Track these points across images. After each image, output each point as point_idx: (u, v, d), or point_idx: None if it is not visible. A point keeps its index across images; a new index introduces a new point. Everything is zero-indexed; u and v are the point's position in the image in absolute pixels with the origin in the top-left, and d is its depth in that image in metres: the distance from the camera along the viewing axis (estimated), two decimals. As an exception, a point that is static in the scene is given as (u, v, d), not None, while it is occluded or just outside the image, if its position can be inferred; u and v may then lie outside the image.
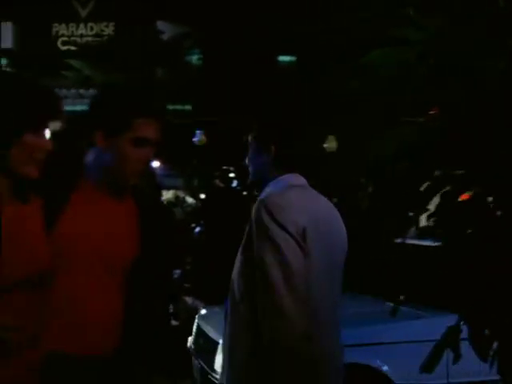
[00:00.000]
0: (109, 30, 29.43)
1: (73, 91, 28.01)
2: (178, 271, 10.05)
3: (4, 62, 31.36)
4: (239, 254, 2.19)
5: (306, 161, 2.33)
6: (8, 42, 30.49)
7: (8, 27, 30.25)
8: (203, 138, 9.13)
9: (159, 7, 14.55)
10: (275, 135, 2.31)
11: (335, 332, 2.23)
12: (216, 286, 7.14)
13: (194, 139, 9.36)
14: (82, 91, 25.38)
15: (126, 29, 13.72)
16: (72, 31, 30.52)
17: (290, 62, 28.89)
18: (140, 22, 13.34)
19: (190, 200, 14.39)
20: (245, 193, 9.80)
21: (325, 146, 12.01)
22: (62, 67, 14.09)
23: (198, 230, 10.05)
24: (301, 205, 2.11)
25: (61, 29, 30.52)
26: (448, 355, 2.77)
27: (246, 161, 2.44)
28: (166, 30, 14.10)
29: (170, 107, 15.74)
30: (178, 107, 24.63)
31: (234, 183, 8.96)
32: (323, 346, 2.06)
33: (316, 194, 2.32)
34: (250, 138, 2.40)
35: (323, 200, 2.29)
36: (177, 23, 18.49)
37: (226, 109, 19.04)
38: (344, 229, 2.33)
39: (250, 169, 2.41)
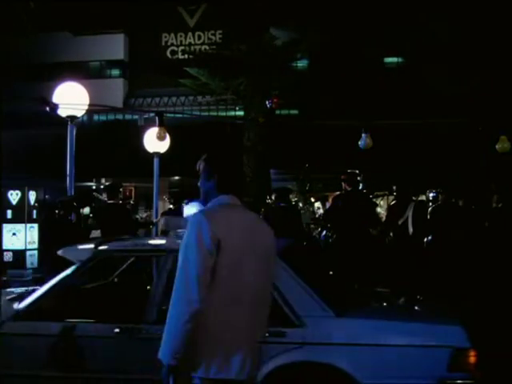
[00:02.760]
0: (216, 38, 30.29)
1: (190, 98, 29.13)
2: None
3: (116, 72, 33.12)
4: None
5: (240, 186, 3.18)
6: (120, 54, 32.13)
7: (119, 38, 31.85)
8: (369, 141, 9.11)
9: (271, 14, 14.76)
10: (219, 166, 3.08)
11: (239, 310, 2.85)
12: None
13: (360, 143, 9.36)
14: (199, 98, 26.29)
15: (234, 36, 14.00)
16: (181, 40, 31.64)
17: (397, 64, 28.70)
18: (252, 28, 13.53)
19: (316, 204, 14.56)
20: (371, 196, 9.82)
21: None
22: (178, 75, 14.61)
23: (324, 233, 10.15)
24: (221, 219, 2.89)
25: (170, 38, 31.75)
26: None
27: (198, 185, 3.16)
28: (277, 36, 14.26)
29: (278, 112, 15.79)
30: (285, 112, 24.97)
31: (360, 186, 8.97)
32: (219, 315, 2.80)
33: (243, 210, 3.07)
34: (198, 169, 3.14)
35: (250, 216, 3.11)
36: (287, 29, 18.80)
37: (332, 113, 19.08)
38: (268, 236, 3.11)
39: (201, 191, 3.13)
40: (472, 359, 3.97)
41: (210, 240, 2.77)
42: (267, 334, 3.41)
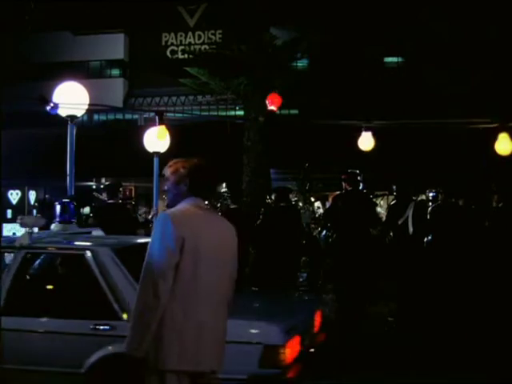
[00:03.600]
0: (216, 37, 30.28)
1: (190, 97, 29.14)
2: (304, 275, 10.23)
3: (116, 72, 33.11)
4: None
5: (209, 190, 3.43)
6: (120, 53, 32.12)
7: (119, 38, 31.85)
8: (369, 141, 9.09)
9: (272, 13, 14.78)
10: (191, 171, 3.28)
11: (204, 303, 3.06)
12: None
13: (360, 142, 9.35)
14: (199, 97, 26.31)
15: (234, 36, 14.00)
16: (181, 40, 31.63)
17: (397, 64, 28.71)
18: (252, 28, 13.53)
19: (316, 204, 14.55)
20: (371, 196, 9.83)
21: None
22: (179, 75, 14.59)
23: (324, 233, 10.16)
24: (186, 219, 3.11)
25: (170, 38, 31.75)
26: None
27: (166, 189, 3.37)
28: (277, 35, 14.27)
29: (278, 111, 15.77)
30: (285, 111, 24.96)
31: (361, 186, 8.96)
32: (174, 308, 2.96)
33: (208, 212, 3.33)
34: (166, 173, 3.35)
35: (215, 217, 3.42)
36: (287, 29, 18.79)
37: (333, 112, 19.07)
38: (230, 236, 3.37)
39: (169, 196, 3.34)
40: (283, 356, 4.07)
41: (174, 240, 2.99)
42: (100, 327, 4.05)
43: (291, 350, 4.17)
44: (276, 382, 4.11)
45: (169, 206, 3.33)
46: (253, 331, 4.22)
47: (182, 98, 29.70)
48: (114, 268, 4.43)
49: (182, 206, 3.22)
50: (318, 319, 5.16)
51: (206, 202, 3.47)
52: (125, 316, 4.21)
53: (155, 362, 2.98)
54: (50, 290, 5.07)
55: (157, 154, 11.06)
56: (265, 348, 4.09)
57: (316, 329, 5.06)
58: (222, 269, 3.23)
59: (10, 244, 4.83)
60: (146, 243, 5.42)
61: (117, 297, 4.30)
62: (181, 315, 2.99)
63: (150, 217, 10.43)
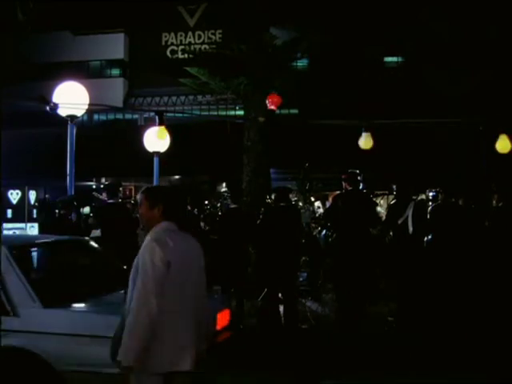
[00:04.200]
0: (216, 37, 30.30)
1: (190, 97, 29.16)
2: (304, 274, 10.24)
3: (116, 72, 33.11)
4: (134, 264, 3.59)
5: (180, 214, 3.77)
6: (120, 53, 32.13)
7: (119, 38, 31.86)
8: (369, 140, 9.07)
9: (272, 13, 14.76)
10: (164, 197, 3.72)
11: (184, 315, 3.54)
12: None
13: (360, 142, 9.34)
14: (199, 97, 26.33)
15: (234, 36, 13.98)
16: (181, 40, 31.64)
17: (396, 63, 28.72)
18: (252, 28, 13.51)
19: (316, 204, 14.56)
20: (372, 196, 9.82)
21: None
22: (179, 75, 14.57)
23: (324, 233, 10.16)
24: (168, 244, 3.53)
25: (170, 38, 31.76)
26: None
27: (139, 213, 3.80)
28: (277, 35, 14.25)
29: (278, 111, 15.77)
30: (285, 111, 24.97)
31: (361, 186, 8.95)
32: (163, 319, 3.41)
33: (182, 234, 3.72)
34: (140, 199, 3.74)
35: (187, 238, 3.75)
36: (287, 29, 18.79)
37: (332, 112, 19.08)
38: (199, 252, 3.78)
39: (142, 220, 3.78)
40: None
41: (161, 262, 3.46)
42: None
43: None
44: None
45: (144, 229, 3.82)
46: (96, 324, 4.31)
47: (182, 97, 29.72)
48: (7, 265, 4.57)
49: (161, 230, 3.65)
50: (222, 318, 5.14)
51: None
52: (11, 312, 4.43)
53: (150, 368, 3.44)
54: None
55: (157, 153, 11.08)
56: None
57: (218, 328, 5.01)
58: (199, 283, 3.75)
59: None
60: (47, 243, 5.62)
61: (6, 293, 4.48)
62: (169, 326, 3.48)
63: None
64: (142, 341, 3.36)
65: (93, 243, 6.01)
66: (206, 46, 28.30)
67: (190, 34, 31.28)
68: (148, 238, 3.62)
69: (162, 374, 3.48)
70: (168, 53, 31.39)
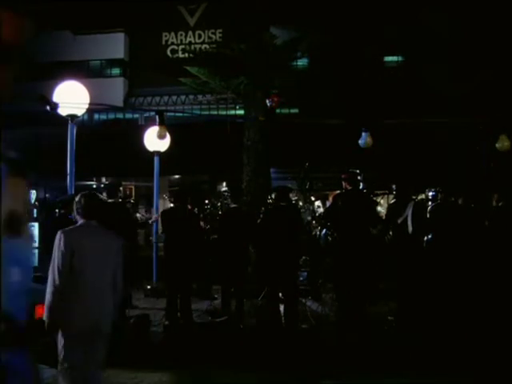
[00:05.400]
0: (216, 36, 30.30)
1: (190, 97, 29.13)
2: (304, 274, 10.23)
3: (117, 71, 33.10)
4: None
5: (96, 213, 4.73)
6: (120, 53, 32.11)
7: (120, 37, 31.84)
8: (369, 140, 9.06)
9: (272, 13, 14.75)
10: (83, 201, 4.72)
11: (94, 290, 4.49)
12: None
13: (360, 142, 9.32)
14: (199, 97, 26.28)
15: (234, 35, 13.96)
16: (181, 39, 31.62)
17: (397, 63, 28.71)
18: (252, 27, 13.51)
19: (316, 203, 14.55)
20: (372, 196, 9.82)
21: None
22: (179, 74, 14.57)
23: (324, 232, 10.15)
24: (75, 234, 4.57)
25: (170, 37, 31.74)
26: None
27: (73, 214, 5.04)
28: (277, 35, 14.25)
29: (278, 111, 15.75)
30: (285, 111, 24.97)
31: (361, 185, 8.96)
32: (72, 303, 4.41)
33: (95, 228, 4.69)
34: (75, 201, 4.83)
35: (99, 230, 4.70)
36: (287, 28, 18.81)
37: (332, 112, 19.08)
38: (114, 244, 4.72)
39: (74, 218, 4.88)
40: None
41: (66, 249, 4.42)
42: None
43: None
44: None
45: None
46: None
47: (183, 97, 29.71)
48: None
49: (78, 224, 4.71)
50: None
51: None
52: None
53: (62, 328, 4.44)
54: None
55: (157, 153, 11.09)
56: None
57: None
58: (105, 265, 4.59)
59: None
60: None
61: None
62: (76, 298, 4.42)
63: (150, 221, 10.45)
64: (52, 306, 4.36)
65: None
66: (207, 46, 28.28)
67: (190, 33, 31.25)
68: (60, 230, 4.59)
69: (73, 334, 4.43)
70: (168, 52, 31.37)
